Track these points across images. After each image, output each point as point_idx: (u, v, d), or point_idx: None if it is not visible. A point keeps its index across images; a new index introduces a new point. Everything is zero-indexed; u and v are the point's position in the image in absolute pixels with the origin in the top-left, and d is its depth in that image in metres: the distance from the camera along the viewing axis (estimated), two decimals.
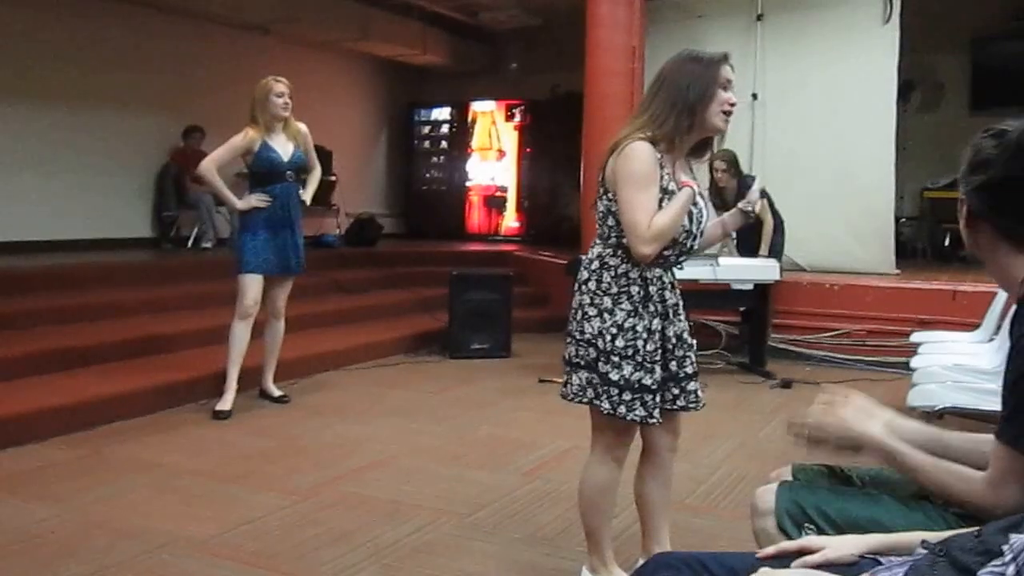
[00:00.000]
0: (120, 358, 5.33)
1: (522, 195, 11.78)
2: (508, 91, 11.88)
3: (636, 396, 2.51)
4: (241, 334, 4.93)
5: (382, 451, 4.21)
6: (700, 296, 6.50)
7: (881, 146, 7.43)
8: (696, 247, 2.62)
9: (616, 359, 2.48)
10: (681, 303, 2.68)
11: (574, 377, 2.60)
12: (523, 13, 10.69)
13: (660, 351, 2.54)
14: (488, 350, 6.83)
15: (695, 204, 2.51)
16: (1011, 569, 1.21)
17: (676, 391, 2.64)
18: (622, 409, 2.53)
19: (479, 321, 6.86)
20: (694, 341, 2.71)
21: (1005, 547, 1.24)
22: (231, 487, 3.72)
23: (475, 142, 12.00)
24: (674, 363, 2.61)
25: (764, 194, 6.56)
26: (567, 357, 2.60)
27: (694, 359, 2.69)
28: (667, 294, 2.60)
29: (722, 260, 6.05)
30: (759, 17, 7.93)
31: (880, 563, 1.59)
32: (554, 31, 10.56)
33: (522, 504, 3.56)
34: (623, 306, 2.50)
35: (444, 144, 12.39)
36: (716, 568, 1.59)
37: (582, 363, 2.55)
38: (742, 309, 6.70)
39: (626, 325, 2.49)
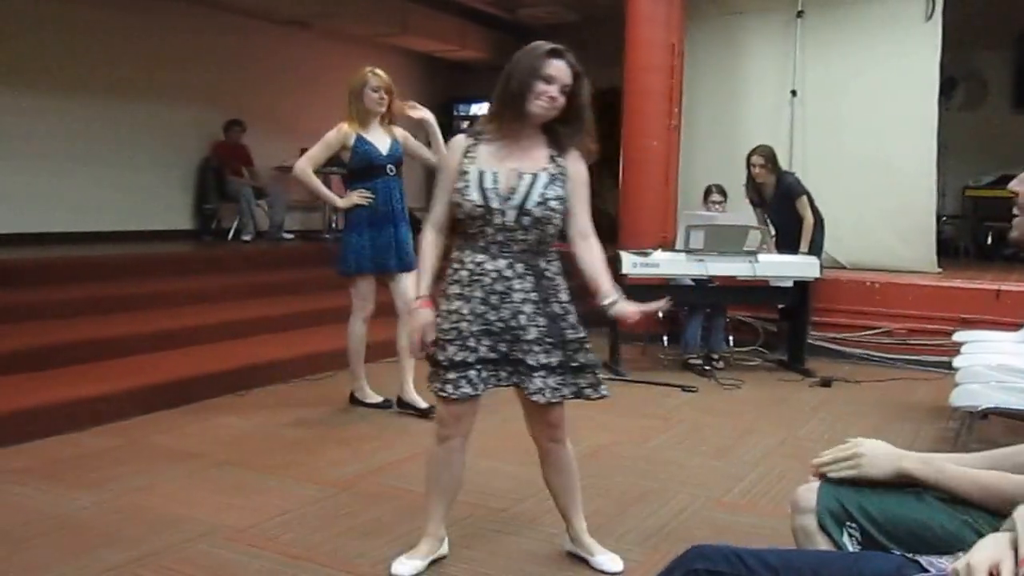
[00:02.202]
0: (160, 348, 5.41)
1: None
2: None
3: (461, 375, 2.66)
4: (353, 331, 4.82)
5: (419, 444, 4.20)
6: (738, 292, 6.47)
7: (923, 144, 7.32)
8: (517, 224, 2.61)
9: (443, 341, 2.66)
10: (521, 294, 2.64)
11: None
12: (562, 9, 10.67)
13: (486, 334, 2.65)
14: None
15: (488, 182, 2.60)
16: None
17: (509, 370, 2.70)
18: (449, 388, 2.68)
19: None
20: (559, 336, 2.68)
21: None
22: (268, 477, 3.76)
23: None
24: (503, 345, 2.67)
25: (804, 190, 6.51)
26: None
27: (545, 357, 2.66)
28: (498, 285, 2.64)
29: (761, 257, 6.01)
30: (799, 14, 7.84)
31: (923, 567, 1.56)
32: (593, 27, 10.50)
33: None
34: (453, 289, 2.69)
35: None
36: (753, 562, 1.57)
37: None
38: (781, 306, 6.64)
39: (452, 308, 2.66)
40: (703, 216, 6.28)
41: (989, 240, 9.36)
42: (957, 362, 4.36)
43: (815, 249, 6.46)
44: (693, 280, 6.22)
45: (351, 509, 3.39)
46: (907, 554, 1.58)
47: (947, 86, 8.35)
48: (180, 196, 9.06)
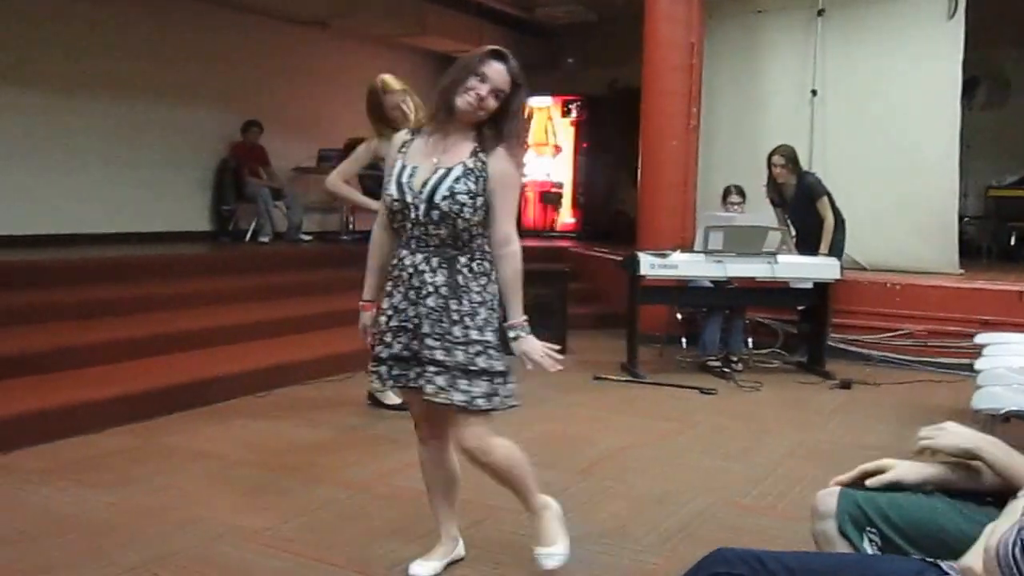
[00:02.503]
0: (177, 349, 5.43)
1: (578, 191, 11.74)
2: (565, 86, 11.84)
3: (375, 369, 2.68)
4: None
5: None
6: (758, 294, 6.43)
7: (945, 143, 7.26)
8: (428, 218, 2.53)
9: (378, 337, 2.68)
10: (432, 287, 2.56)
11: None
12: (580, 8, 10.67)
13: (402, 330, 2.61)
14: None
15: (406, 175, 2.58)
16: None
17: (418, 370, 2.61)
18: (373, 380, 2.71)
19: (534, 317, 6.74)
20: (461, 333, 2.55)
21: None
22: (287, 479, 3.76)
23: (531, 138, 11.98)
24: (416, 342, 2.60)
25: (825, 191, 6.47)
26: None
27: (441, 354, 2.55)
28: (415, 280, 2.59)
29: (781, 258, 5.97)
30: (820, 12, 7.79)
31: (943, 571, 1.55)
32: (611, 26, 10.51)
33: (578, 501, 3.54)
34: (387, 285, 2.68)
35: None
36: (774, 565, 1.58)
37: None
38: (801, 308, 6.59)
39: (384, 304, 2.67)
40: (722, 217, 6.24)
41: (1012, 241, 9.26)
42: (979, 364, 4.31)
43: (835, 250, 6.42)
44: (711, 281, 6.18)
45: (368, 511, 3.39)
46: (927, 558, 1.58)
47: (970, 85, 8.28)
48: (198, 197, 9.10)
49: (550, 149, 11.86)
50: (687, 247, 6.20)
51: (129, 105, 8.30)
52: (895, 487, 1.83)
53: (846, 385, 5.79)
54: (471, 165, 2.55)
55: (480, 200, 2.54)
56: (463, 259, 2.59)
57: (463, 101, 2.52)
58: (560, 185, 11.82)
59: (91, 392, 4.44)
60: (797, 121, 7.79)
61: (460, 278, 2.57)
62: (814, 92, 7.81)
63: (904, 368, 6.39)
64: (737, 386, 5.76)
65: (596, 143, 11.49)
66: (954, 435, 1.82)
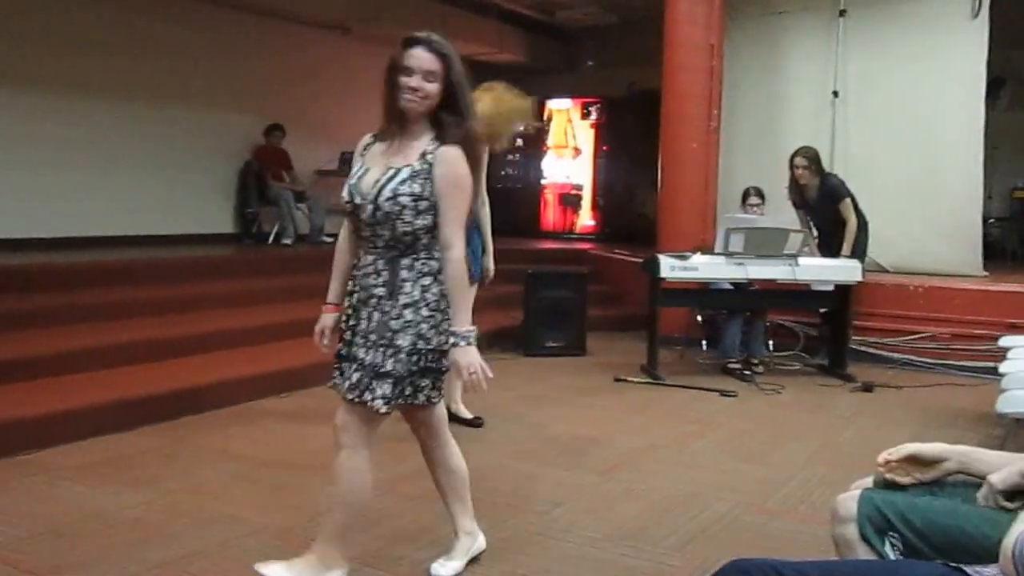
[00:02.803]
0: (205, 350, 5.50)
1: (597, 193, 11.75)
2: (584, 89, 11.85)
3: (336, 366, 2.71)
4: None
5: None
6: (778, 296, 6.42)
7: (969, 145, 7.22)
8: (374, 219, 2.54)
9: (339, 337, 2.73)
10: (375, 288, 2.58)
11: None
12: (600, 11, 10.68)
13: (352, 330, 2.65)
14: (563, 348, 6.84)
15: (355, 178, 2.62)
16: None
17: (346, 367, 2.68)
18: (338, 379, 2.69)
19: (554, 319, 6.87)
20: (386, 330, 2.57)
21: None
22: (313, 478, 3.79)
23: (551, 140, 12.01)
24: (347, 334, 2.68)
25: (848, 193, 6.45)
26: None
27: (362, 352, 2.58)
28: (368, 280, 2.61)
29: (802, 260, 5.96)
30: (842, 13, 7.76)
31: (966, 572, 1.56)
32: (631, 28, 10.51)
33: (598, 503, 3.56)
34: (349, 285, 2.73)
35: (520, 142, 12.42)
36: (791, 574, 1.57)
37: None
38: (822, 310, 6.57)
39: (344, 303, 2.72)
40: (743, 219, 6.24)
41: None
42: (1003, 367, 4.30)
43: (858, 252, 6.40)
44: (732, 284, 6.18)
45: (393, 511, 3.43)
46: (949, 563, 1.58)
47: (994, 86, 8.22)
48: (221, 200, 9.18)
49: (570, 151, 11.87)
50: (707, 249, 6.21)
51: (154, 108, 8.38)
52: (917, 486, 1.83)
53: (868, 388, 5.77)
54: (418, 167, 2.55)
55: (425, 203, 2.54)
56: (405, 260, 2.58)
57: (404, 101, 2.55)
58: (580, 187, 11.83)
59: (120, 392, 4.50)
60: (818, 122, 7.77)
61: (398, 279, 2.57)
62: (835, 93, 7.78)
63: (927, 371, 6.36)
64: (758, 389, 5.76)
65: (616, 145, 11.49)
66: (915, 446, 1.89)
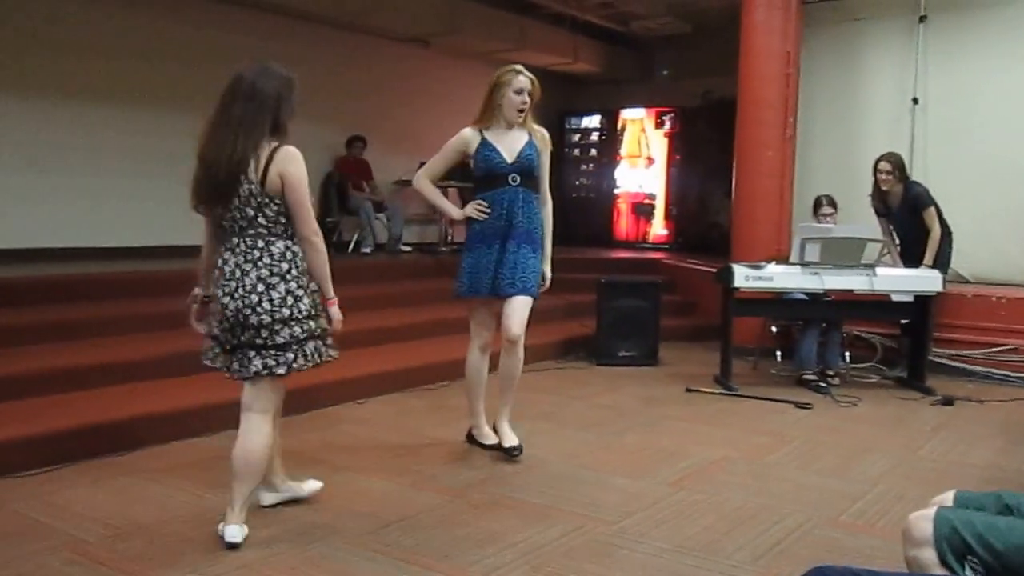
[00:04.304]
0: None
1: (671, 202, 11.70)
2: (658, 98, 11.83)
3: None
4: (470, 361, 4.37)
5: (530, 455, 4.28)
6: (855, 307, 6.31)
7: None
8: None
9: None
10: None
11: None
12: (675, 20, 10.64)
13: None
14: (635, 358, 6.83)
15: None
16: None
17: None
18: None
19: (627, 328, 6.87)
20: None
21: None
22: (387, 484, 3.89)
23: (624, 149, 12.01)
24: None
25: (932, 201, 6.31)
26: None
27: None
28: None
29: (880, 270, 5.85)
30: (922, 19, 7.60)
31: None
32: (706, 37, 10.45)
33: (669, 514, 3.57)
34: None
35: (593, 152, 12.45)
36: None
37: None
38: (904, 322, 6.43)
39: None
40: (819, 228, 6.15)
41: None
42: None
43: (941, 262, 6.26)
44: (807, 294, 6.10)
45: (464, 517, 3.48)
46: None
47: None
48: None
49: (643, 161, 11.86)
50: (783, 259, 6.14)
51: None
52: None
53: (948, 402, 5.64)
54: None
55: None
56: None
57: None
58: (653, 197, 11.81)
59: (205, 396, 4.64)
60: (897, 130, 7.61)
61: None
62: (915, 100, 7.62)
63: (1009, 385, 6.18)
64: (833, 401, 5.67)
65: (689, 154, 11.44)
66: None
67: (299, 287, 3.20)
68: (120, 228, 7.85)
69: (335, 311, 3.36)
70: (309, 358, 3.25)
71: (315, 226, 3.24)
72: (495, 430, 4.39)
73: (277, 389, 3.32)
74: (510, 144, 4.17)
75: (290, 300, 3.16)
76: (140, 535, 3.23)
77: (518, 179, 4.16)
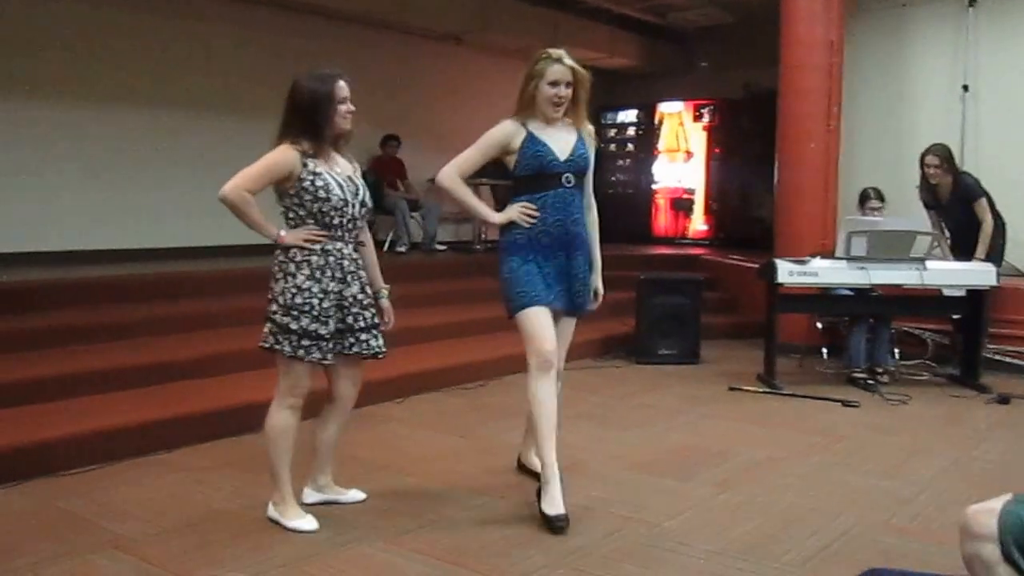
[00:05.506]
0: None
1: (710, 197, 11.54)
2: (697, 91, 11.67)
3: (313, 343, 3.20)
4: (530, 387, 3.69)
5: (571, 456, 4.19)
6: (905, 302, 6.14)
7: None
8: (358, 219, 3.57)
9: (295, 313, 3.19)
10: (359, 270, 3.46)
11: (264, 327, 3.25)
12: (715, 10, 10.49)
13: (336, 308, 3.27)
14: (676, 356, 6.72)
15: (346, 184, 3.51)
16: None
17: (352, 340, 3.34)
18: (301, 352, 3.19)
19: (667, 326, 6.76)
20: (371, 300, 3.45)
21: None
22: (426, 483, 3.85)
23: (662, 144, 11.86)
24: (350, 318, 3.33)
25: (983, 192, 6.13)
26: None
27: (369, 315, 3.39)
28: (345, 263, 3.34)
29: (930, 264, 5.68)
30: (971, 3, 7.40)
31: None
32: (747, 28, 10.28)
33: (713, 515, 3.47)
34: (304, 271, 3.23)
35: (631, 146, 12.32)
36: None
37: (268, 316, 3.25)
38: (955, 317, 6.24)
39: (304, 286, 3.21)
40: (866, 221, 5.99)
41: None
42: None
43: (994, 255, 6.08)
44: (853, 289, 5.94)
45: (504, 518, 3.42)
46: None
47: None
48: None
49: (681, 155, 11.70)
50: (828, 253, 5.99)
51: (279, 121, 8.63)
52: None
53: (1004, 400, 5.45)
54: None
55: None
56: None
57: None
58: (692, 191, 11.65)
59: (247, 395, 4.62)
60: (947, 119, 7.42)
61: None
62: (965, 88, 7.44)
63: None
64: (883, 399, 5.51)
65: (730, 148, 11.27)
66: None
67: (278, 270, 3.37)
68: (173, 229, 7.97)
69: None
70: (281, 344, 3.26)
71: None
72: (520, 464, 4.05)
73: (279, 372, 3.31)
74: (560, 140, 3.58)
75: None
76: (185, 533, 3.23)
77: (572, 180, 3.56)
